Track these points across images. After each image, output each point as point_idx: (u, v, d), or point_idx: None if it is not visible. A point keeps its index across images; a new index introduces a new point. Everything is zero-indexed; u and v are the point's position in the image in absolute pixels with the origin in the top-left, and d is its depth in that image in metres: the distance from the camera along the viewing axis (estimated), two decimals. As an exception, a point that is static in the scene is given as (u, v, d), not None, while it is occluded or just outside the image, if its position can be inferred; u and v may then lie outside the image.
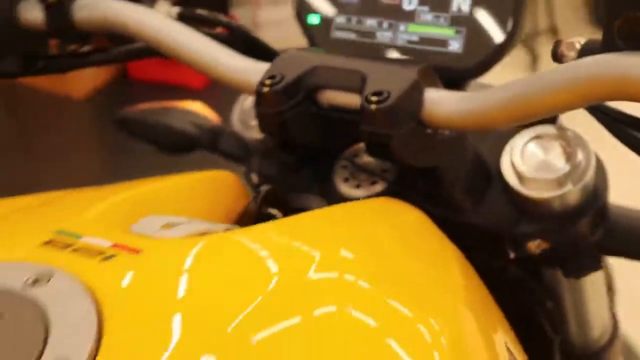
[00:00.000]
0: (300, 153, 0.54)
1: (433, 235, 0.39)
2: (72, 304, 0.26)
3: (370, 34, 0.52)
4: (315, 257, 0.30)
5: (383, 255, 0.33)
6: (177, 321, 0.26)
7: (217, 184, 0.49)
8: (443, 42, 0.49)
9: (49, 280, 0.28)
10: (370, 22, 0.52)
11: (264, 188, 0.46)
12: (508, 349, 0.33)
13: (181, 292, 0.28)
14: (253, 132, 0.59)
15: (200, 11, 0.57)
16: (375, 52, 0.52)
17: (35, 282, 0.28)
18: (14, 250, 0.30)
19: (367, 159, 0.53)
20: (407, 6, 0.51)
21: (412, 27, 0.51)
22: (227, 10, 0.63)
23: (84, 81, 2.74)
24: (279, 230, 0.34)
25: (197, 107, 0.72)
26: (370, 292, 0.29)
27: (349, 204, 0.43)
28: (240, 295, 0.27)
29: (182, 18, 0.56)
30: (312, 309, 0.27)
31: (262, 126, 0.48)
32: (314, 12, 0.54)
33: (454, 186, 0.49)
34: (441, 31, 0.50)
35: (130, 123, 0.73)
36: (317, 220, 0.37)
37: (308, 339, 0.25)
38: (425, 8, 0.50)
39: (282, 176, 0.56)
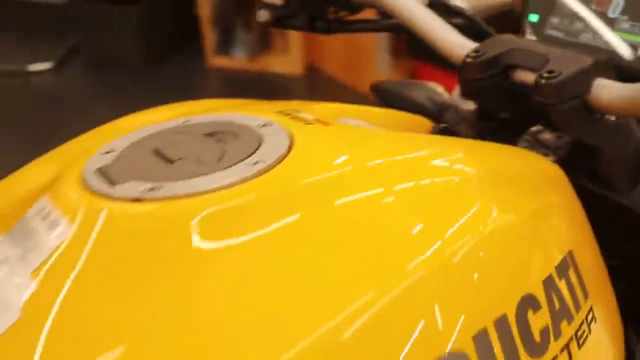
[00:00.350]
0: (495, 122, 0.65)
1: (558, 184, 0.49)
2: (277, 137, 0.43)
3: (576, 34, 0.62)
4: (448, 157, 0.44)
5: (498, 170, 0.45)
6: (336, 155, 0.41)
7: (414, 123, 0.63)
8: (633, 47, 0.57)
9: (271, 126, 0.45)
10: (578, 25, 0.62)
11: (440, 125, 0.59)
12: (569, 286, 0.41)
13: (344, 144, 0.43)
14: (466, 104, 0.71)
15: (446, 1, 0.71)
16: (575, 49, 0.61)
17: (263, 125, 0.45)
18: (260, 112, 0.48)
19: (547, 137, 0.62)
20: (611, 14, 0.60)
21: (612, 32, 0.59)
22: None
23: (373, 79, 3.02)
24: (436, 140, 0.48)
25: (436, 86, 0.86)
26: (460, 183, 0.41)
27: (501, 145, 0.53)
28: (385, 163, 0.42)
29: (431, 5, 0.71)
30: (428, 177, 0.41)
31: (462, 91, 0.61)
32: (535, 12, 0.65)
33: (613, 167, 0.57)
34: (634, 38, 0.57)
35: (382, 91, 0.90)
36: (470, 142, 0.50)
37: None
38: (625, 17, 0.58)
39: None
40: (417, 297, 0.33)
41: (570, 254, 0.42)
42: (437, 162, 0.43)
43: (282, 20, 0.75)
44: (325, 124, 0.46)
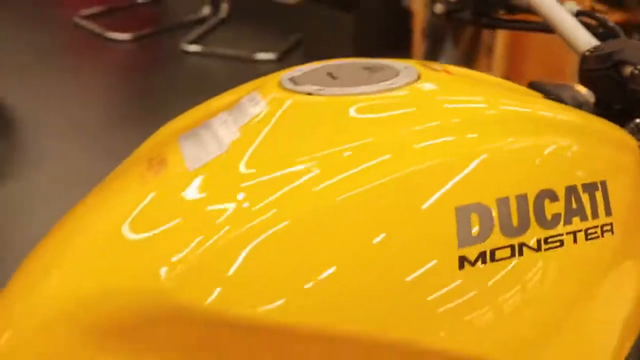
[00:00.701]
0: (609, 111, 0.78)
1: (624, 148, 0.62)
2: (409, 74, 0.62)
3: (693, 43, 0.73)
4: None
5: (575, 119, 0.61)
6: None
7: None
8: None
9: (408, 68, 0.64)
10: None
11: (549, 96, 0.73)
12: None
13: (454, 82, 0.62)
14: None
15: (591, 13, 0.85)
16: None
17: (404, 67, 0.64)
18: (406, 62, 0.67)
19: None
20: None
21: None
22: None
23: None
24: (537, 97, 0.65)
25: (581, 88, 0.99)
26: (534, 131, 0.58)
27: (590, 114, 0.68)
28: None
29: (577, 14, 0.85)
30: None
31: (580, 80, 0.75)
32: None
33: None
34: None
35: (535, 88, 1.04)
36: (562, 105, 0.66)
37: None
38: None
39: None
40: (473, 165, 0.52)
41: (603, 183, 0.56)
42: (529, 97, 0.61)
43: (453, 13, 0.93)
44: (448, 72, 0.64)
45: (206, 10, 4.07)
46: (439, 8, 0.93)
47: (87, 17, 4.09)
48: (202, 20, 3.99)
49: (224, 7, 4.03)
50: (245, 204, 0.51)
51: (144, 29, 3.95)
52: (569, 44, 0.79)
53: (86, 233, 0.57)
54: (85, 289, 0.53)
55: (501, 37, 3.33)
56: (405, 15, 3.59)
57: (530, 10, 0.86)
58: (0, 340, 0.53)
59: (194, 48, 3.66)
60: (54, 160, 2.69)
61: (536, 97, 0.68)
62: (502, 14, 0.91)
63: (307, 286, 0.49)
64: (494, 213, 0.50)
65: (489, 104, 0.59)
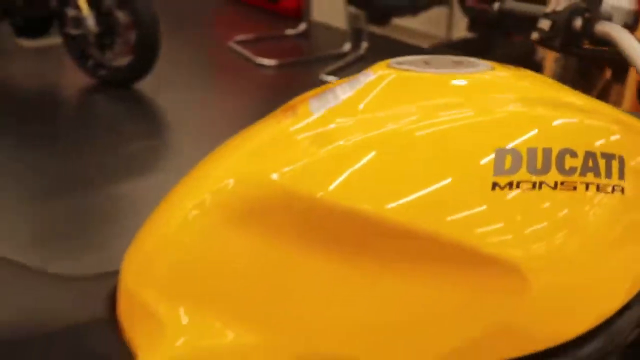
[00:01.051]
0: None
1: None
2: (485, 66, 0.81)
3: None
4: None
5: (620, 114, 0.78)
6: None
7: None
8: None
9: (486, 64, 0.83)
10: None
11: None
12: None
13: (520, 73, 0.80)
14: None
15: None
16: None
17: (483, 62, 0.83)
18: (482, 60, 0.86)
19: None
20: None
21: None
22: None
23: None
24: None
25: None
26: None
27: None
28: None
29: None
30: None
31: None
32: None
33: None
34: None
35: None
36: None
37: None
38: None
39: None
40: (517, 124, 0.70)
41: (620, 157, 0.72)
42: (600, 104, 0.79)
43: (546, 40, 1.11)
44: (517, 70, 0.83)
45: (347, 46, 4.39)
46: (534, 35, 1.11)
47: (240, 43, 4.54)
48: (342, 55, 4.31)
49: (364, 45, 4.33)
50: (345, 138, 0.72)
51: (289, 57, 4.33)
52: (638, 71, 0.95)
53: (235, 151, 0.81)
54: (234, 178, 0.75)
55: (628, 99, 3.34)
56: (537, 68, 3.71)
57: (610, 43, 1.03)
58: (175, 220, 0.77)
59: (331, 79, 3.96)
60: (194, 158, 3.04)
61: (606, 104, 0.85)
62: (586, 44, 1.07)
63: (388, 201, 0.69)
64: (524, 157, 0.69)
65: (550, 90, 0.77)
